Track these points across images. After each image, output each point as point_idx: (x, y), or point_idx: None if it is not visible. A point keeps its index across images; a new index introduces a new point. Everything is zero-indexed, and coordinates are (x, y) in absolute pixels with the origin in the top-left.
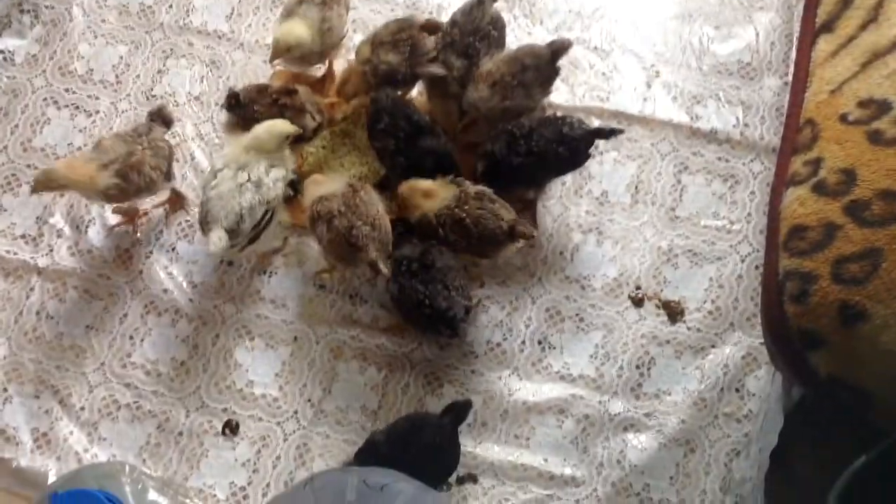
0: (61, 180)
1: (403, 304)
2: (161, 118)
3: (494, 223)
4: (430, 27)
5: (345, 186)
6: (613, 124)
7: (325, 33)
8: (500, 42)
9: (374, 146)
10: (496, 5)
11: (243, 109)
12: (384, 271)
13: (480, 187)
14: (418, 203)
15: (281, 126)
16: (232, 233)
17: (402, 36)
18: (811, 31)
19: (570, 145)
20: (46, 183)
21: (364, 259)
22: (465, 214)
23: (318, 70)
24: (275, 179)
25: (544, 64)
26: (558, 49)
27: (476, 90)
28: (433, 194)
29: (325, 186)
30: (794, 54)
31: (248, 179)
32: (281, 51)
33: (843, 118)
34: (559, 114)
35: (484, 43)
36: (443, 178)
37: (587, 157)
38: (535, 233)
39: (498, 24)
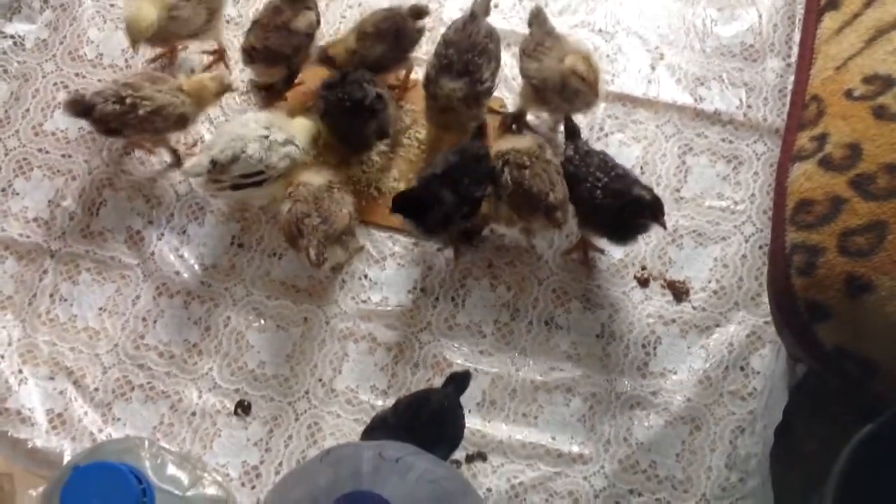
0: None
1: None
2: None
3: (543, 188)
4: (417, 11)
5: (326, 182)
6: (618, 106)
7: (172, 20)
8: (496, 54)
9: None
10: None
11: (262, 53)
12: (312, 258)
13: (559, 160)
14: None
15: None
16: (216, 166)
17: (385, 25)
18: (816, 9)
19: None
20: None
21: (301, 246)
22: (528, 165)
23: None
24: (285, 154)
25: None
26: None
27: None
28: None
29: (314, 175)
30: (796, 35)
31: (266, 136)
32: (135, 35)
33: (848, 94)
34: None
35: (484, 57)
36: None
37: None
38: (562, 225)
39: (493, 36)
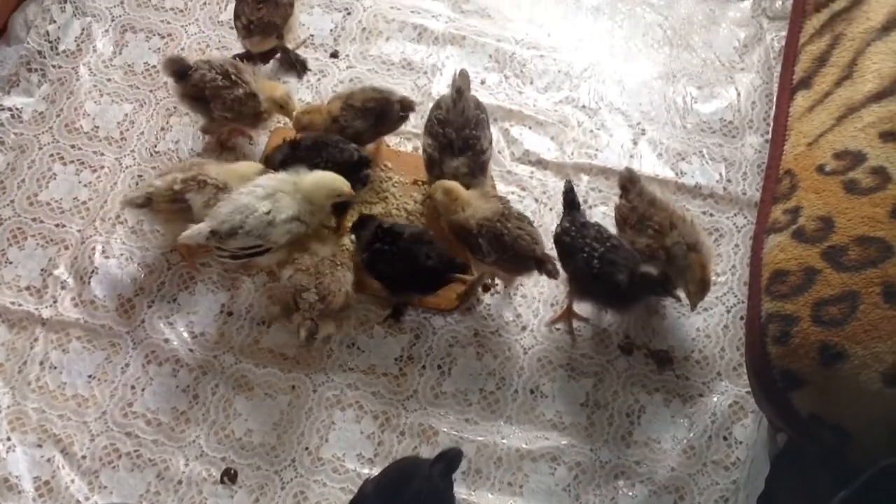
0: None
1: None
2: None
3: (529, 246)
4: (406, 104)
5: (330, 255)
6: (601, 180)
7: None
8: (488, 122)
9: None
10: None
11: (258, 24)
12: (302, 338)
13: (521, 212)
14: (455, 209)
15: (336, 183)
16: (215, 235)
17: (371, 104)
18: (788, 88)
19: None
20: None
21: (295, 320)
22: (506, 231)
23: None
24: (287, 231)
25: None
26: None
27: None
28: (467, 202)
29: (320, 246)
30: (774, 111)
31: (267, 212)
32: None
33: (820, 169)
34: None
35: (479, 129)
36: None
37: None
38: (559, 272)
39: (481, 106)
